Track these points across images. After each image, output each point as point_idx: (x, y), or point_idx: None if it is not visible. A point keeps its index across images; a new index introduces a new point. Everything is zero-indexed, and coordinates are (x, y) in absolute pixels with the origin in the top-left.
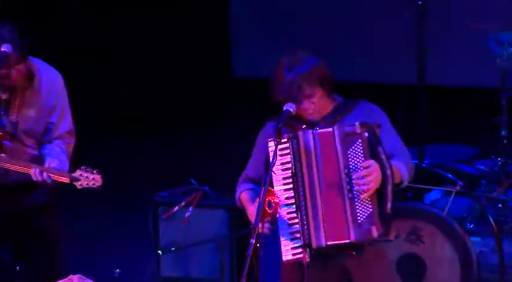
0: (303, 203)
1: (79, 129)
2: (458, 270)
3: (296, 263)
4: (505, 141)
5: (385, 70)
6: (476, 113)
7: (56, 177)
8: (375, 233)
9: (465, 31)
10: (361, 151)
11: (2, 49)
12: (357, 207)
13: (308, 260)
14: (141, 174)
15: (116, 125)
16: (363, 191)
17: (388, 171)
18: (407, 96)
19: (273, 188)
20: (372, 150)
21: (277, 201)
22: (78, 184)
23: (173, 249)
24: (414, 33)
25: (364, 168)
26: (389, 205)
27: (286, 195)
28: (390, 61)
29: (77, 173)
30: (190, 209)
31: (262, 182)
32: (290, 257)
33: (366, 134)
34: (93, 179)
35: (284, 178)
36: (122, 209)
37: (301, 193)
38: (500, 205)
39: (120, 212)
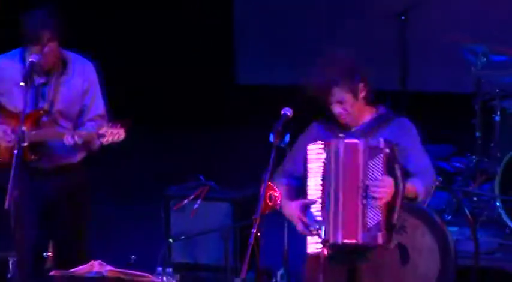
0: (327, 204)
1: None
2: (438, 257)
3: (318, 256)
4: (480, 141)
5: (372, 77)
6: (453, 116)
7: (85, 136)
8: (380, 240)
9: (444, 43)
10: (380, 165)
11: (37, 29)
12: (368, 213)
13: (326, 254)
14: (153, 170)
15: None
16: (375, 200)
17: (401, 187)
18: (391, 101)
19: (306, 185)
20: (390, 166)
21: (277, 194)
22: (104, 140)
23: (183, 237)
24: (398, 44)
25: (380, 181)
26: (396, 216)
27: (316, 195)
28: (377, 69)
29: (103, 130)
30: (198, 201)
31: (263, 178)
32: (312, 250)
33: (388, 150)
34: (117, 133)
35: (317, 179)
36: (136, 202)
37: (327, 195)
38: (475, 198)
39: (135, 205)
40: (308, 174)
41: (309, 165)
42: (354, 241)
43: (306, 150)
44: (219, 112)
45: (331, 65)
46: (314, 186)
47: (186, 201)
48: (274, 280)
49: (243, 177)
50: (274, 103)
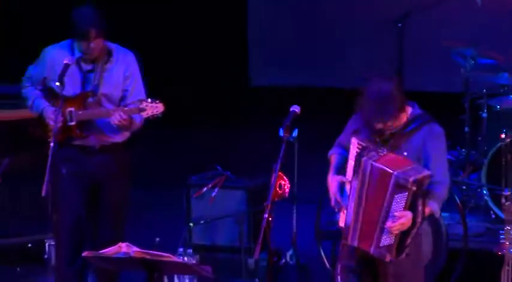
0: (352, 207)
1: None
2: (431, 239)
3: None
4: (468, 136)
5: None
6: (445, 113)
7: (128, 112)
8: (387, 258)
9: (437, 47)
10: (404, 201)
11: (85, 27)
12: (383, 236)
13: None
14: (177, 162)
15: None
16: (391, 229)
17: (419, 220)
18: None
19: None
20: (413, 202)
21: (284, 183)
22: (144, 114)
23: (202, 222)
24: (395, 48)
25: (398, 217)
26: (408, 241)
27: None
28: (377, 70)
29: (143, 104)
30: (216, 190)
31: (273, 169)
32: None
33: (414, 188)
34: (156, 107)
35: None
36: (161, 190)
37: (353, 199)
38: (464, 187)
39: (160, 192)
40: (349, 156)
41: (350, 151)
42: (366, 250)
43: (354, 126)
44: (234, 112)
45: (383, 103)
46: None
47: (205, 189)
48: (284, 260)
49: (256, 168)
50: (284, 103)
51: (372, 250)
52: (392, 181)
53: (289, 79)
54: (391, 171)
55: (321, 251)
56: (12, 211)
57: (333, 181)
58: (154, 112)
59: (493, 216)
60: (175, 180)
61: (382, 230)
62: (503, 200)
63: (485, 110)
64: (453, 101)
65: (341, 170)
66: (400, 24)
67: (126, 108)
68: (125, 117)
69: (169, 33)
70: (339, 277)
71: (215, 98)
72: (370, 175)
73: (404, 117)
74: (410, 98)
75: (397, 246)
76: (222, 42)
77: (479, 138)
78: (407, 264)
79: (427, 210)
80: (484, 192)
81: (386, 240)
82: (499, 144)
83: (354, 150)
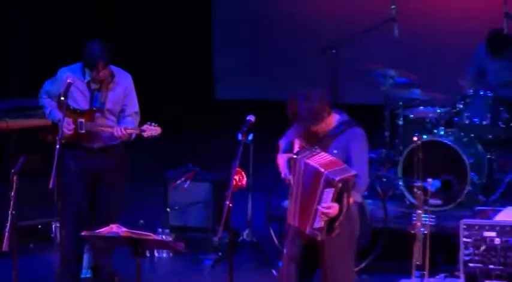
0: (293, 191)
1: None
2: (358, 222)
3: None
4: (388, 139)
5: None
6: (369, 121)
7: (130, 131)
8: (319, 237)
9: (363, 69)
10: (332, 194)
11: (95, 60)
12: (316, 220)
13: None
14: (157, 161)
15: None
16: (322, 215)
17: (344, 209)
18: None
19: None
20: (339, 195)
21: (241, 176)
22: (144, 134)
23: (177, 207)
24: (330, 68)
25: (327, 208)
26: (337, 224)
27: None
28: (316, 85)
29: (144, 126)
30: (188, 182)
31: (233, 165)
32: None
33: (340, 185)
34: (155, 129)
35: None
36: (144, 182)
37: (294, 187)
38: (384, 180)
39: (143, 185)
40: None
41: (294, 149)
42: (303, 229)
43: (292, 136)
44: (202, 120)
45: (308, 102)
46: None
47: (179, 181)
48: (241, 238)
49: (219, 165)
50: (243, 113)
51: (307, 230)
52: (322, 179)
53: (248, 93)
54: (323, 171)
55: (271, 230)
56: (26, 200)
57: (280, 159)
58: (153, 133)
59: (407, 202)
60: (155, 175)
61: (315, 215)
62: (415, 190)
63: (401, 118)
64: (376, 111)
65: (287, 152)
66: (334, 51)
67: (130, 128)
68: (125, 133)
69: (145, 54)
70: (280, 263)
71: (187, 109)
72: (305, 171)
73: (332, 123)
74: (342, 108)
75: (327, 229)
76: (190, 63)
77: (396, 141)
78: (339, 246)
79: (351, 200)
80: (400, 183)
81: (318, 223)
82: (411, 145)
83: (296, 148)
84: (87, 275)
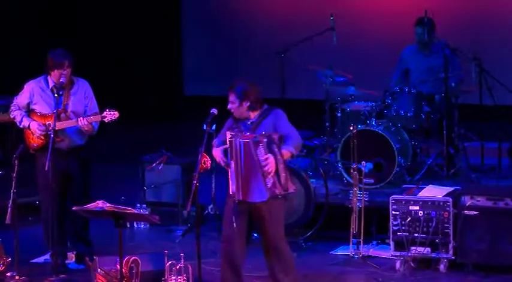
0: (237, 175)
1: None
2: (304, 197)
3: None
4: (328, 128)
5: (267, 88)
6: (313, 113)
7: (92, 119)
8: (278, 191)
9: (307, 69)
10: (263, 149)
11: (60, 59)
12: (266, 179)
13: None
14: (135, 147)
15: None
16: (267, 171)
17: (279, 158)
18: (275, 104)
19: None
20: (269, 148)
21: (207, 160)
22: (106, 119)
23: (152, 186)
24: (280, 69)
25: (265, 159)
26: (283, 175)
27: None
28: (267, 84)
29: (104, 113)
30: (161, 165)
31: (199, 151)
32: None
33: (265, 140)
34: (114, 114)
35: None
36: (124, 165)
37: (236, 169)
38: (326, 162)
39: (124, 167)
40: (228, 141)
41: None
42: (263, 200)
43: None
44: (173, 113)
45: (235, 88)
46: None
47: (154, 164)
48: (206, 211)
49: (188, 151)
50: (209, 107)
51: (265, 195)
52: (251, 143)
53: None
54: (249, 139)
55: None
56: (26, 180)
57: (217, 151)
58: (113, 118)
59: (345, 181)
60: (134, 159)
61: (263, 176)
62: (351, 171)
63: (340, 111)
64: (318, 105)
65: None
66: (282, 54)
67: (91, 117)
68: (87, 122)
69: (115, 51)
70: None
71: (159, 103)
72: (239, 147)
73: (256, 113)
74: (290, 103)
75: (279, 183)
76: (161, 63)
77: (336, 130)
78: (275, 212)
79: (284, 152)
80: (339, 165)
81: (269, 181)
82: (348, 134)
83: (228, 137)
84: (76, 266)
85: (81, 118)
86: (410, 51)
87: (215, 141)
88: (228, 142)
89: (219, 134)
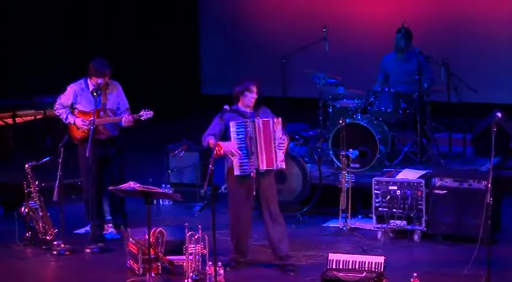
0: (254, 149)
1: None
2: (301, 179)
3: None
4: (322, 122)
5: (271, 87)
6: (309, 109)
7: (133, 117)
8: (283, 166)
9: (304, 73)
10: (281, 129)
11: (104, 70)
12: (278, 154)
13: (253, 175)
14: (161, 137)
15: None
16: (282, 147)
17: (289, 141)
18: (278, 101)
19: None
20: (283, 130)
21: (220, 148)
22: (142, 118)
23: (175, 170)
24: (282, 72)
25: (283, 138)
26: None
27: (240, 146)
28: (272, 84)
29: (141, 113)
30: (183, 152)
31: (214, 141)
32: (239, 173)
33: (280, 121)
34: (149, 113)
35: (239, 139)
36: (152, 153)
37: (253, 145)
38: (319, 150)
39: (152, 154)
40: (231, 135)
41: (231, 129)
42: (271, 168)
43: (220, 123)
44: (192, 109)
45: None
46: (237, 139)
47: (176, 152)
48: (220, 190)
49: None
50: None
51: (275, 165)
52: (271, 120)
53: (227, 89)
54: (270, 119)
55: None
56: (69, 165)
57: (230, 145)
58: (148, 116)
59: (336, 166)
60: (160, 148)
61: (277, 150)
62: (341, 157)
63: (331, 107)
64: (313, 102)
65: (218, 135)
66: (284, 60)
67: (132, 115)
68: (131, 119)
69: (141, 56)
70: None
71: (179, 101)
72: (260, 125)
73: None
74: (290, 100)
75: (284, 159)
76: (181, 66)
77: (328, 123)
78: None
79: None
80: (331, 152)
81: (280, 156)
82: (338, 126)
83: (233, 127)
84: (112, 236)
85: (126, 115)
86: (388, 58)
87: (205, 136)
88: (245, 125)
89: (210, 127)
